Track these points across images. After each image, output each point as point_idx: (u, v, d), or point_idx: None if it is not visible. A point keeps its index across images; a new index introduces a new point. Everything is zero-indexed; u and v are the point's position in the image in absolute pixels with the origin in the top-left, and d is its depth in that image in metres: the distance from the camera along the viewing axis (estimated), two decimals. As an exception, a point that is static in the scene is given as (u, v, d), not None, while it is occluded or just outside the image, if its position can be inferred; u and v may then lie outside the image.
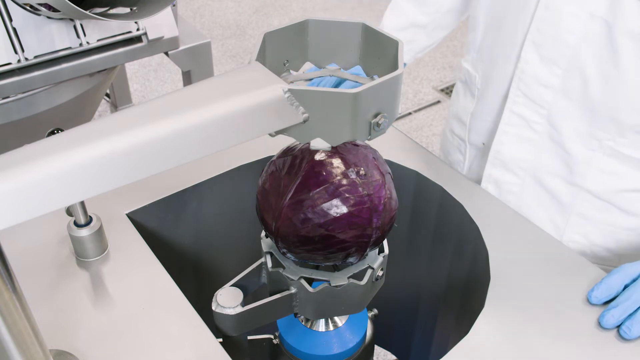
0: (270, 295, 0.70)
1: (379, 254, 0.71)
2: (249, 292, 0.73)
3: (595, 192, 0.96)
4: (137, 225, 0.86)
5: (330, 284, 0.68)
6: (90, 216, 0.79)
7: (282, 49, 0.62)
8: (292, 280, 0.68)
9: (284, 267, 0.69)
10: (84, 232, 0.78)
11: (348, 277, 0.68)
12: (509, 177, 1.04)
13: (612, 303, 0.74)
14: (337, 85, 1.10)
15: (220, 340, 0.72)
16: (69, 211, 0.78)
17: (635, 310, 0.72)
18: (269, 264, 0.70)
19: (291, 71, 0.66)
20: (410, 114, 3.00)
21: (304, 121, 0.53)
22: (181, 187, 0.92)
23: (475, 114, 1.10)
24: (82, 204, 0.77)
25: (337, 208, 0.61)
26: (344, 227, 0.61)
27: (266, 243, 0.72)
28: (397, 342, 1.22)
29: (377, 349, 1.11)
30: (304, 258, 0.66)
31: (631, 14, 0.79)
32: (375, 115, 0.55)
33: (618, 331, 0.72)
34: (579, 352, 0.71)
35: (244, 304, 0.69)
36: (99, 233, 0.79)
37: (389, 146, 1.01)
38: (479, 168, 1.12)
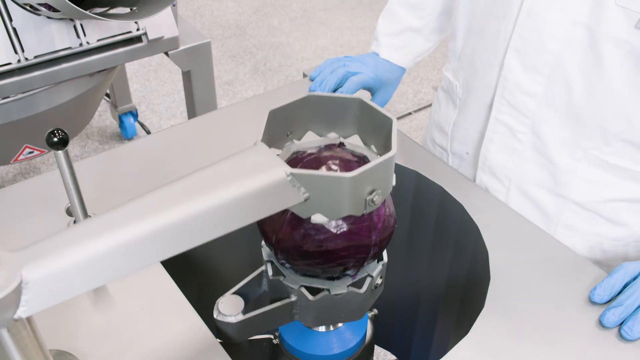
0: (271, 302, 0.71)
1: (377, 262, 0.72)
2: (250, 299, 0.73)
3: (580, 203, 0.95)
4: (137, 225, 0.86)
5: (330, 292, 0.68)
6: (90, 216, 0.79)
7: (286, 122, 0.67)
8: (293, 288, 0.69)
9: (284, 276, 0.70)
10: (84, 232, 0.78)
11: (347, 286, 0.69)
12: (496, 184, 1.03)
13: (614, 302, 0.74)
14: (340, 84, 1.11)
15: (220, 340, 0.72)
16: (69, 211, 0.78)
17: (637, 309, 0.72)
18: (270, 272, 0.71)
19: (294, 140, 0.70)
20: (410, 114, 3.00)
21: (305, 200, 0.58)
22: (181, 187, 0.92)
23: (457, 123, 1.09)
24: (82, 204, 0.77)
25: (338, 226, 0.62)
26: (343, 243, 0.63)
27: (267, 251, 0.72)
28: (397, 342, 1.22)
29: (377, 349, 1.11)
30: (302, 269, 0.68)
31: (614, 20, 0.78)
32: (370, 192, 0.60)
33: (619, 331, 0.72)
34: (579, 352, 0.71)
35: (245, 311, 0.70)
36: (99, 233, 0.79)
37: (389, 146, 1.01)
38: (466, 175, 1.11)
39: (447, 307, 1.02)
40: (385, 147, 0.63)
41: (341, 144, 0.69)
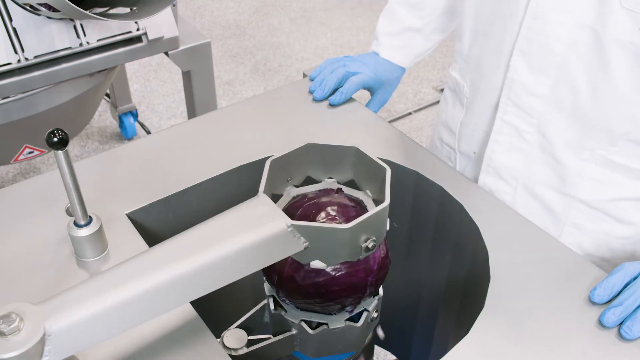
0: (273, 335, 0.75)
1: (373, 297, 0.75)
2: (253, 332, 0.77)
3: (588, 202, 0.95)
4: (137, 225, 0.86)
5: (328, 327, 0.72)
6: (90, 216, 0.79)
7: (286, 169, 0.72)
8: (293, 322, 0.72)
9: (285, 310, 0.73)
10: (84, 232, 0.78)
11: (345, 320, 0.72)
12: (501, 185, 1.03)
13: (614, 302, 0.74)
14: (339, 84, 1.11)
15: (220, 340, 0.73)
16: (69, 211, 0.78)
17: (636, 309, 0.72)
18: (272, 307, 0.74)
19: (293, 185, 0.74)
20: (410, 114, 3.00)
21: (305, 248, 0.63)
22: (181, 187, 0.92)
23: (464, 123, 1.10)
24: (82, 204, 0.77)
25: (336, 270, 0.66)
26: (341, 285, 0.67)
27: (268, 287, 0.75)
28: (397, 342, 1.22)
29: (377, 349, 1.11)
30: (302, 307, 0.72)
31: (619, 22, 0.79)
32: (366, 240, 0.64)
33: (619, 331, 0.72)
34: (579, 352, 0.71)
35: (248, 345, 0.74)
36: (99, 233, 0.79)
37: (389, 146, 1.01)
38: (471, 176, 1.11)
39: (447, 307, 1.02)
40: (380, 192, 0.69)
41: (339, 190, 0.74)
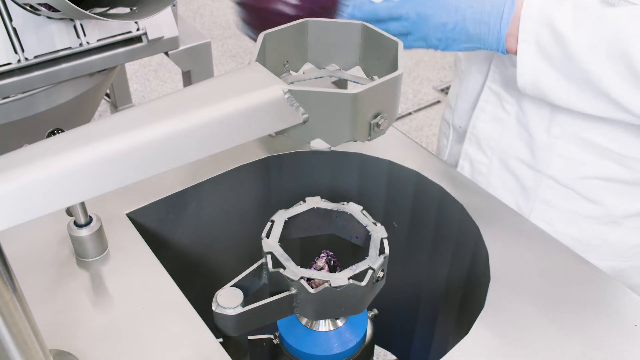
0: (271, 295, 0.70)
1: (379, 255, 0.72)
2: (250, 292, 0.73)
3: (558, 179, 0.96)
4: (137, 225, 0.86)
5: (330, 285, 0.68)
6: (90, 216, 0.79)
7: (282, 50, 0.62)
8: (293, 280, 0.68)
9: (284, 268, 0.69)
10: (84, 232, 0.78)
11: (348, 278, 0.68)
12: (480, 156, 1.05)
13: None
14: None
15: (220, 340, 0.72)
16: (69, 211, 0.78)
17: None
18: (270, 265, 0.70)
19: (291, 72, 0.66)
20: (410, 114, 3.00)
21: (304, 122, 0.54)
22: (181, 187, 0.92)
23: (459, 95, 1.11)
24: (82, 204, 0.77)
25: None
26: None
27: (267, 244, 0.72)
28: (397, 342, 1.22)
29: (377, 349, 1.11)
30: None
31: None
32: (375, 116, 0.55)
33: None
34: (579, 352, 0.71)
35: (244, 304, 0.69)
36: (99, 233, 0.79)
37: (389, 146, 1.01)
38: (457, 152, 1.13)
39: (447, 307, 1.02)
40: (390, 72, 0.58)
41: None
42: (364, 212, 0.77)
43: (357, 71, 0.66)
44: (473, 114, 1.04)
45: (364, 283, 0.69)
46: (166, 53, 1.62)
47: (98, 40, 1.43)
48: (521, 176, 1.01)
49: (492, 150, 1.03)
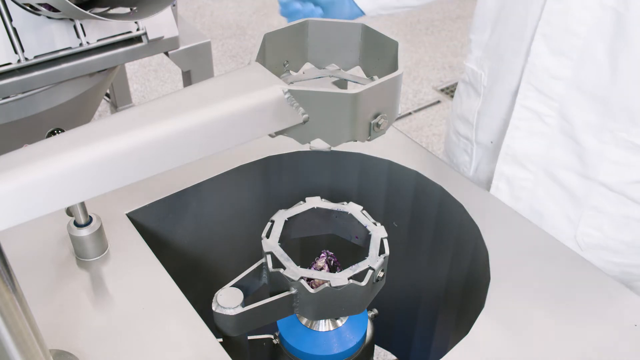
0: (271, 295, 0.70)
1: (379, 255, 0.72)
2: (250, 292, 0.73)
3: (608, 185, 0.96)
4: (137, 225, 0.86)
5: (330, 285, 0.68)
6: (90, 216, 0.79)
7: (282, 50, 0.62)
8: (293, 280, 0.68)
9: (284, 268, 0.69)
10: (84, 232, 0.78)
11: (348, 278, 0.68)
12: (521, 172, 1.04)
13: None
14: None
15: (220, 340, 0.72)
16: (69, 211, 0.78)
17: None
18: (270, 265, 0.70)
19: (291, 72, 0.66)
20: (410, 114, 3.00)
21: (304, 122, 0.54)
22: (181, 187, 0.92)
23: (482, 112, 1.10)
24: (82, 204, 0.77)
25: None
26: None
27: (267, 244, 0.72)
28: (397, 342, 1.22)
29: (377, 349, 1.11)
30: None
31: None
32: (375, 116, 0.55)
33: None
34: (579, 351, 0.71)
35: (244, 304, 0.69)
36: (99, 233, 0.79)
37: (389, 146, 1.01)
38: (487, 167, 1.12)
39: (447, 307, 1.02)
40: (390, 72, 0.58)
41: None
42: (364, 212, 0.77)
43: (357, 71, 0.66)
44: (507, 134, 1.03)
45: (364, 283, 0.69)
46: (166, 53, 1.62)
47: (98, 40, 1.43)
48: (570, 185, 1.00)
49: (536, 164, 1.02)
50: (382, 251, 0.72)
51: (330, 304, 0.70)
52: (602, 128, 0.92)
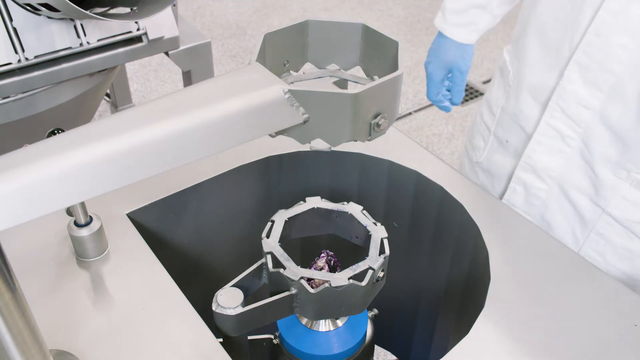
0: (271, 295, 0.70)
1: (379, 255, 0.72)
2: (250, 292, 0.73)
3: (617, 217, 0.96)
4: (137, 225, 0.86)
5: (330, 285, 0.68)
6: (90, 216, 0.79)
7: (282, 50, 0.62)
8: (293, 280, 0.68)
9: (284, 268, 0.69)
10: (84, 232, 0.78)
11: (348, 278, 0.68)
12: (537, 182, 1.05)
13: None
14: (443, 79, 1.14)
15: (220, 340, 0.72)
16: (69, 211, 0.78)
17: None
18: (270, 265, 0.70)
19: (291, 72, 0.66)
20: (410, 114, 3.00)
21: (304, 122, 0.54)
22: (181, 187, 0.92)
23: (505, 109, 1.10)
24: (82, 204, 0.77)
25: None
26: None
27: (267, 244, 0.72)
28: (397, 342, 1.22)
29: (377, 349, 1.11)
30: None
31: None
32: (376, 116, 0.56)
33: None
34: (579, 351, 0.71)
35: (244, 304, 0.69)
36: (99, 233, 0.79)
37: (389, 146, 1.01)
38: (498, 163, 1.13)
39: (447, 307, 1.02)
40: (390, 72, 0.58)
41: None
42: (364, 212, 0.77)
43: (357, 71, 0.67)
44: (528, 146, 1.03)
45: (364, 283, 0.69)
46: (166, 53, 1.62)
47: (98, 40, 1.43)
48: (581, 206, 1.00)
49: (552, 179, 1.03)
50: (382, 251, 0.72)
51: (331, 304, 0.70)
52: (620, 165, 0.92)
